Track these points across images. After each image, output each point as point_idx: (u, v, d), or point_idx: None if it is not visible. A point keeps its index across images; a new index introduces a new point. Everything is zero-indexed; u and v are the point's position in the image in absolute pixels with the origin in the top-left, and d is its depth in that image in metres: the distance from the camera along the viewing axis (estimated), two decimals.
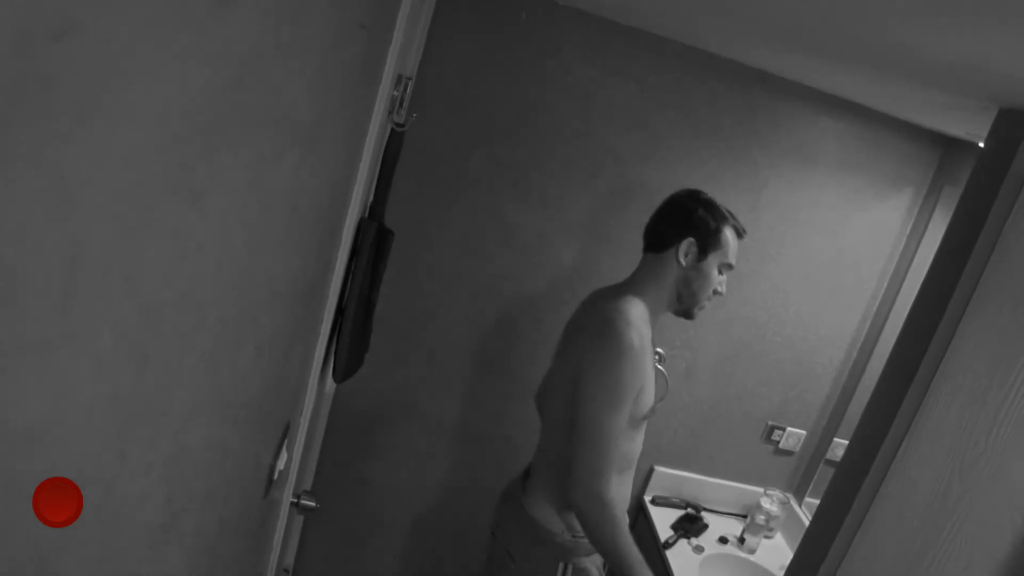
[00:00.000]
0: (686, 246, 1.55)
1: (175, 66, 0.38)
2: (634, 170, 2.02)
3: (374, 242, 1.46)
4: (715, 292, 1.61)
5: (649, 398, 1.55)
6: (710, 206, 1.57)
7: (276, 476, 1.09)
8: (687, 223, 1.55)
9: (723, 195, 2.06)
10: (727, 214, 1.59)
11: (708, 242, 1.55)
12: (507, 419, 2.23)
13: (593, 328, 1.48)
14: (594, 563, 1.62)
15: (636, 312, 1.50)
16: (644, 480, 2.36)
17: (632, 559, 1.45)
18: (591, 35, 1.90)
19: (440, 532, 2.35)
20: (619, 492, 1.57)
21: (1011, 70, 0.97)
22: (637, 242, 2.08)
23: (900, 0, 0.85)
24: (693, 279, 1.57)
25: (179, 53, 0.38)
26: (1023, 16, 0.75)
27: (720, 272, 1.60)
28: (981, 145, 1.22)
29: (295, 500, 1.46)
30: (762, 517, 2.20)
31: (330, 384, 1.84)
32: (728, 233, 1.57)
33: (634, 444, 1.60)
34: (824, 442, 2.33)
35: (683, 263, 1.56)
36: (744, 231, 1.62)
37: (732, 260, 1.60)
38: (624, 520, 1.49)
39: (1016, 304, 1.05)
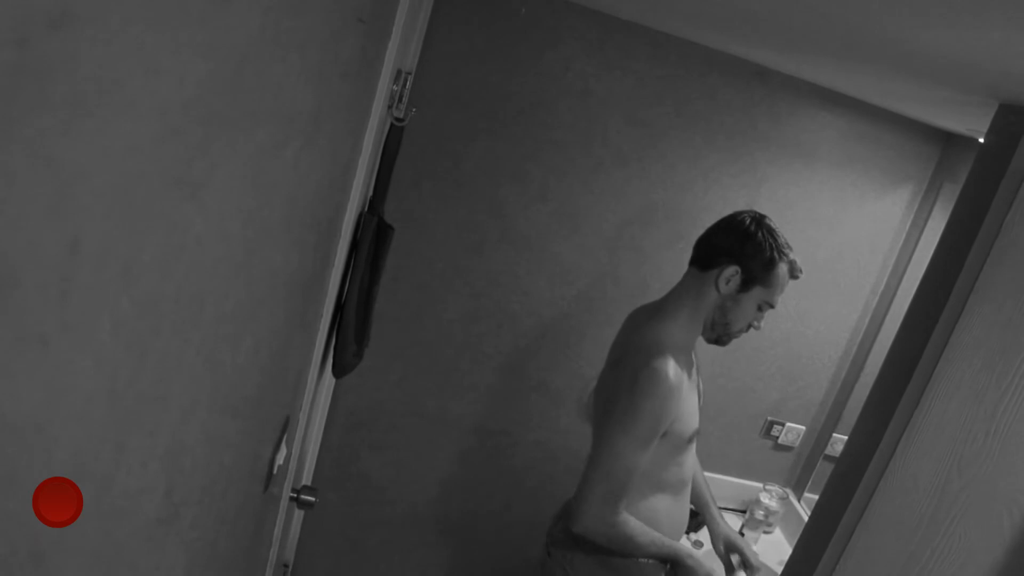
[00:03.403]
0: (729, 273, 1.44)
1: (174, 57, 0.37)
2: (632, 165, 2.02)
3: (374, 236, 1.45)
4: (750, 326, 1.52)
5: (689, 422, 1.50)
6: (772, 235, 1.45)
7: (275, 470, 1.09)
8: (740, 248, 1.43)
9: (722, 190, 2.06)
10: (787, 248, 1.46)
11: (756, 275, 1.44)
12: (506, 413, 2.24)
13: (630, 361, 1.41)
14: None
15: (673, 340, 1.44)
16: None
17: (660, 544, 1.50)
18: (589, 29, 1.89)
19: (440, 526, 2.36)
20: (677, 514, 1.60)
21: (1011, 66, 0.97)
22: (635, 237, 2.08)
23: None
24: (729, 309, 1.47)
25: (178, 44, 0.37)
26: (1022, 12, 0.75)
27: (760, 309, 1.50)
28: (981, 141, 1.22)
29: (294, 495, 1.46)
30: (761, 512, 2.21)
31: (329, 379, 1.84)
32: (781, 270, 1.46)
33: (684, 467, 1.57)
34: (823, 437, 2.34)
35: (721, 290, 1.45)
36: (800, 271, 1.50)
37: (775, 300, 1.49)
38: (628, 521, 1.47)
39: (1015, 300, 1.05)
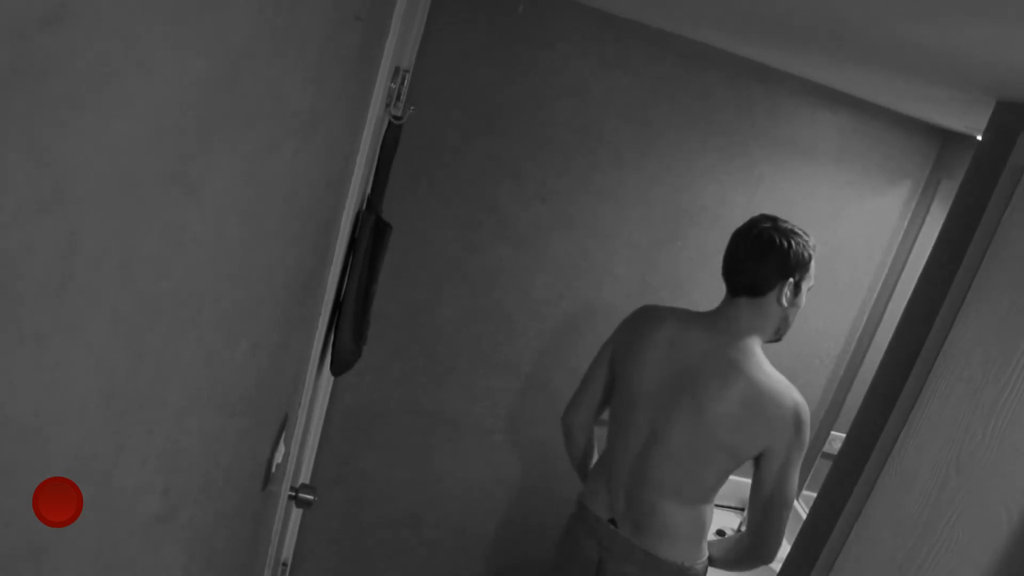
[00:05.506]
0: (787, 287, 1.54)
1: (170, 55, 0.37)
2: (630, 163, 2.02)
3: (372, 235, 1.45)
4: None
5: None
6: (797, 237, 1.53)
7: (274, 469, 1.08)
8: (786, 265, 1.52)
9: (720, 188, 2.06)
10: (806, 235, 1.56)
11: (803, 275, 1.55)
12: (504, 413, 2.24)
13: (767, 403, 1.49)
14: None
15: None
16: None
17: None
18: (588, 27, 1.89)
19: (438, 525, 2.36)
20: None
21: (1009, 63, 0.97)
22: (632, 235, 2.08)
23: None
24: (792, 314, 1.59)
25: (174, 42, 0.37)
26: (1020, 9, 0.75)
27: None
28: (979, 138, 1.22)
29: (293, 493, 1.46)
30: None
31: (328, 377, 1.84)
32: (813, 260, 1.57)
33: None
34: (821, 435, 2.34)
35: (784, 304, 1.56)
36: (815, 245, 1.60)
37: (814, 281, 1.61)
38: None
39: (1013, 297, 1.05)
